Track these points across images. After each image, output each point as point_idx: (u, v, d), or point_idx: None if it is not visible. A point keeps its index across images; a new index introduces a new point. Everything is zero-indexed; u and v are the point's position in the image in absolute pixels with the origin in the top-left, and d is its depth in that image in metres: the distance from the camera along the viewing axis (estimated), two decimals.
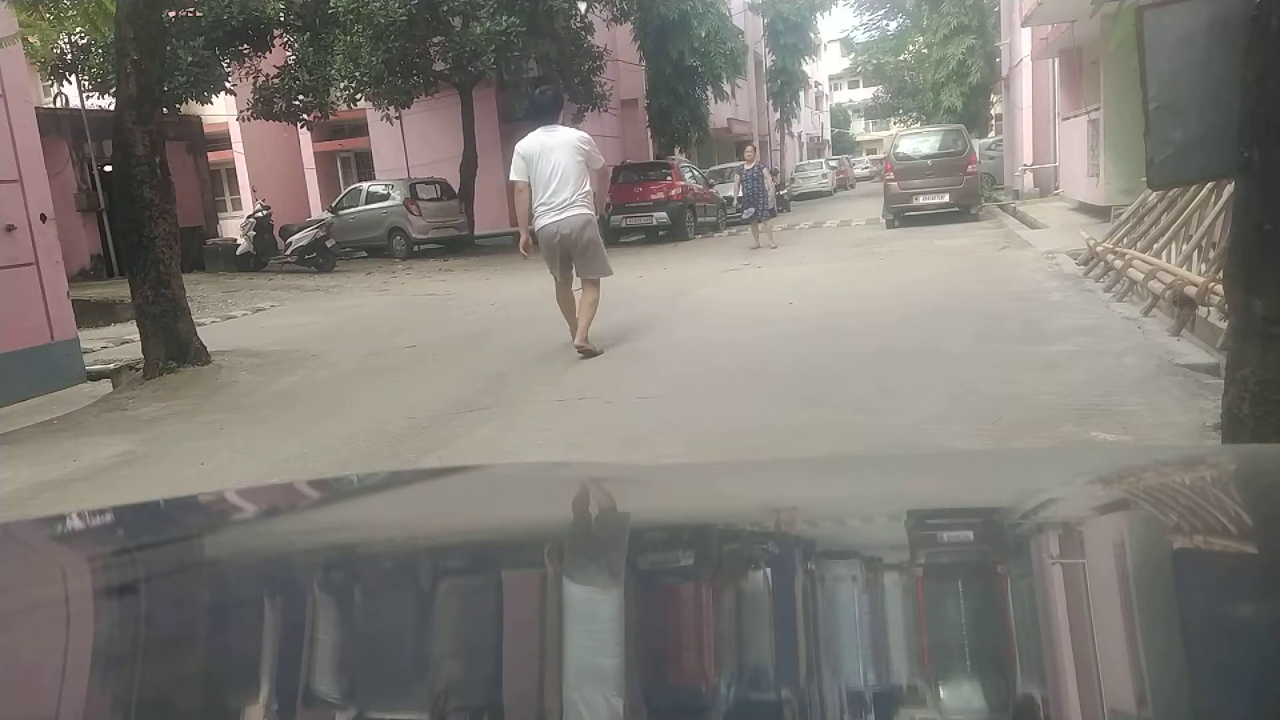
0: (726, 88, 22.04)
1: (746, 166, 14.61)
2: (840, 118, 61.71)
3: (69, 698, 0.56)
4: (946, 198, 14.89)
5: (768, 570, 0.73)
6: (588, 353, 5.86)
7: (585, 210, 5.86)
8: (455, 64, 15.63)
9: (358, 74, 15.18)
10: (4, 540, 0.90)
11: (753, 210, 14.04)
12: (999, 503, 0.88)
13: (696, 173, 19.18)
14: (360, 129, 21.25)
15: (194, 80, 14.95)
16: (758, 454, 3.60)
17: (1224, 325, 3.87)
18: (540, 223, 5.90)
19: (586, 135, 6.05)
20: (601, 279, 6.04)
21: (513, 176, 5.95)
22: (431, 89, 16.68)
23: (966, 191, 15.13)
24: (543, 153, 5.78)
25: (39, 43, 12.74)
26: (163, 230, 6.49)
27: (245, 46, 15.79)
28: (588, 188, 5.88)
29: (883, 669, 0.53)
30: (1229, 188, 3.94)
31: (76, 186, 15.81)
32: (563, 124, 6.21)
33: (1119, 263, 6.66)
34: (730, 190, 18.63)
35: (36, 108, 7.77)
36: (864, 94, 56.17)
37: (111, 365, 6.89)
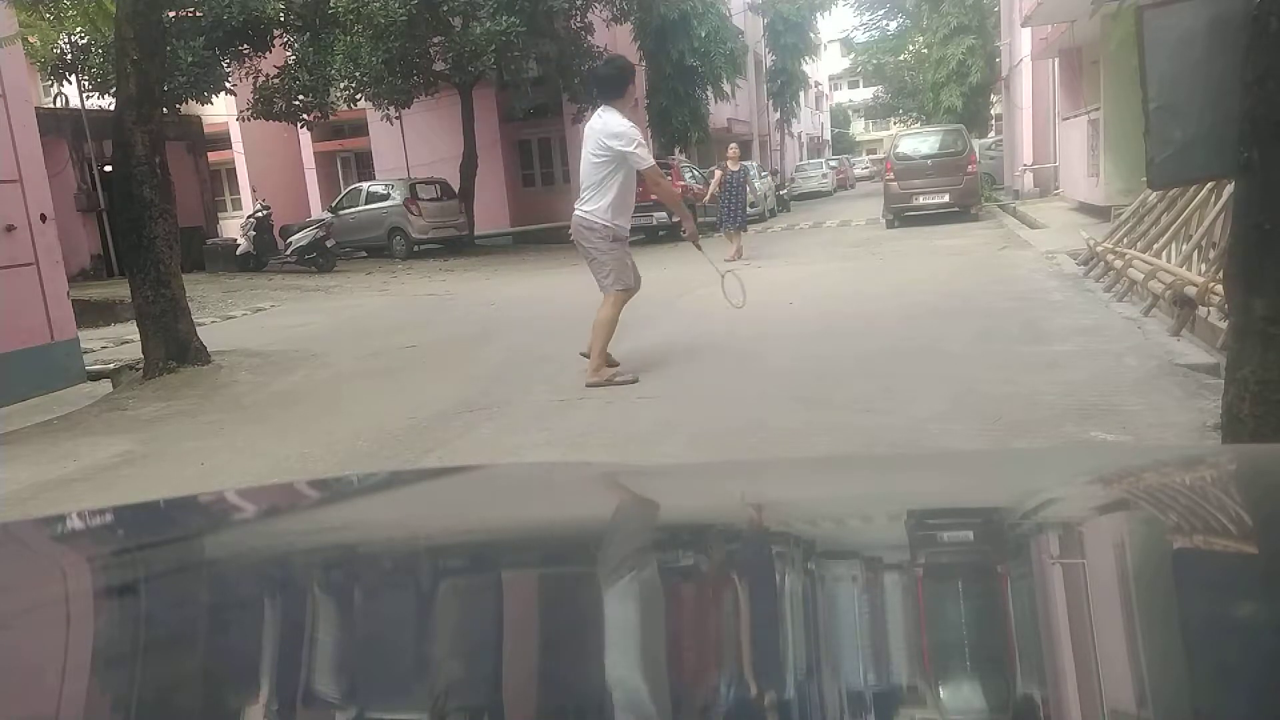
0: (726, 88, 22.02)
1: (732, 168, 12.61)
2: (840, 118, 61.70)
3: (69, 698, 0.56)
4: (946, 198, 14.90)
5: (768, 570, 0.73)
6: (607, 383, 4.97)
7: (593, 213, 4.93)
8: (455, 64, 15.64)
9: (358, 74, 15.20)
10: (4, 540, 0.90)
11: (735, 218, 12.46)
12: (999, 503, 0.88)
13: (696, 173, 19.18)
14: (360, 129, 21.27)
15: (194, 80, 14.95)
16: (758, 454, 3.60)
17: (1224, 325, 3.87)
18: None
19: (624, 129, 4.83)
20: (615, 295, 5.06)
21: None
22: (431, 89, 16.69)
23: (966, 191, 15.14)
24: (584, 140, 5.03)
25: (39, 43, 12.75)
26: (163, 230, 6.49)
27: (245, 46, 15.79)
28: (606, 188, 4.88)
29: (883, 669, 0.53)
30: (1229, 188, 3.94)
31: (76, 186, 15.82)
32: (616, 108, 4.97)
33: (1119, 263, 6.66)
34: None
35: (36, 108, 7.77)
36: (864, 94, 56.14)
37: (111, 365, 6.88)
